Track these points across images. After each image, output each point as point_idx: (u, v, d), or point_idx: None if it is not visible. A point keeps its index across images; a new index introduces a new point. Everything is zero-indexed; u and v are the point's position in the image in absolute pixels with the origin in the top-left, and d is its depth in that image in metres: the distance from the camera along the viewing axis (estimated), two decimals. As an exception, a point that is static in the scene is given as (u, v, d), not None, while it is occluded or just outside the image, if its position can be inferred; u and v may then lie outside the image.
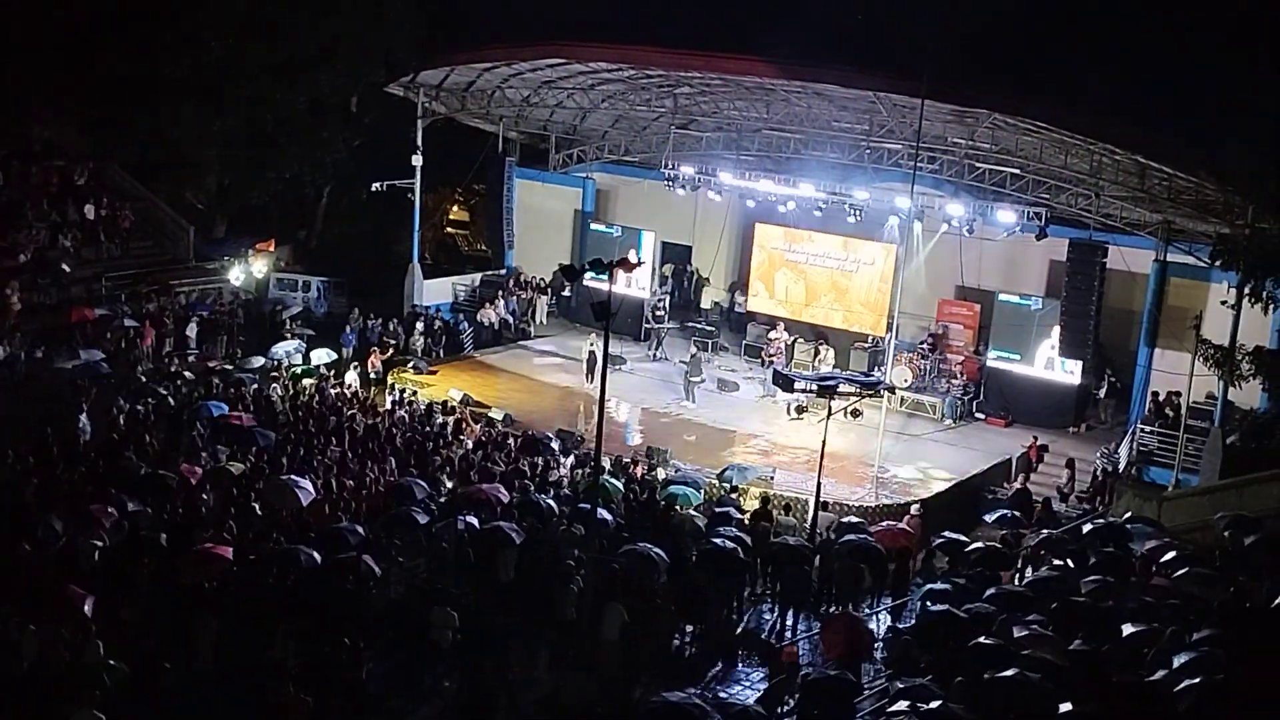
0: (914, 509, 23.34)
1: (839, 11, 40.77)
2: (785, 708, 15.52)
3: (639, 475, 24.18)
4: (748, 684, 17.86)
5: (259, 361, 30.36)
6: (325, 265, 40.50)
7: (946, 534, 21.29)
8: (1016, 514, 23.40)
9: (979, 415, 30.34)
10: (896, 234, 30.86)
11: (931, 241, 31.17)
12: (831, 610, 20.04)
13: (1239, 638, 14.53)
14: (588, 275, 19.39)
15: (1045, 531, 21.82)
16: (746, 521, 22.00)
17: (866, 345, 32.34)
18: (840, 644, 16.92)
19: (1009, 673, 13.67)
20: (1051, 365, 29.49)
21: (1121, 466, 26.68)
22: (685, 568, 19.26)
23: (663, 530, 20.73)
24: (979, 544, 20.67)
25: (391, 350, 32.45)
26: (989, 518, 23.02)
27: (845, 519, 22.22)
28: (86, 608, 15.50)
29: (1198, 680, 12.80)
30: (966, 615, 16.62)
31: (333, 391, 28.59)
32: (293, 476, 20.95)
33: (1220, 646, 14.04)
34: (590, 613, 17.18)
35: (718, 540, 19.45)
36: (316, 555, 17.70)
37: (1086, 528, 21.49)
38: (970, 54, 33.96)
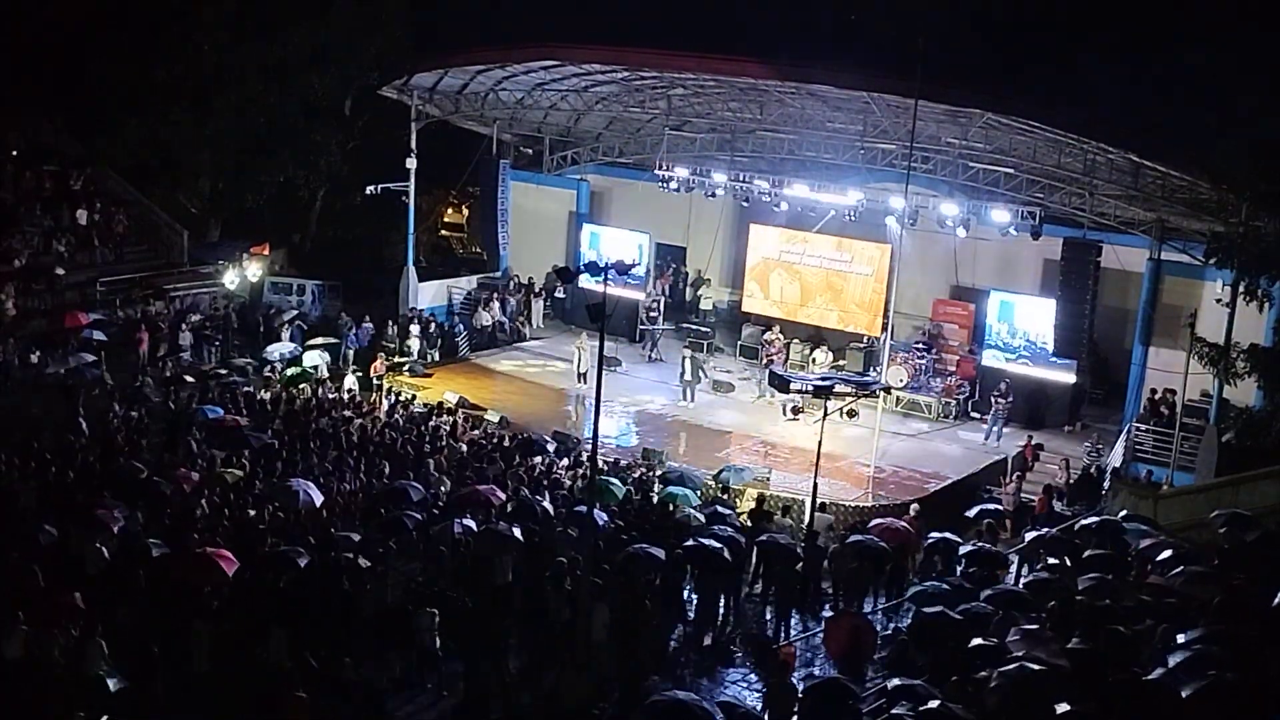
0: (913, 509, 23.37)
1: (832, 12, 40.81)
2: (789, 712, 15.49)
3: (635, 476, 24.16)
4: (744, 684, 17.86)
5: (253, 364, 30.36)
6: (320, 269, 40.41)
7: (937, 534, 21.30)
8: (999, 508, 23.49)
9: (974, 415, 30.35)
10: (894, 233, 30.89)
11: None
12: (838, 608, 20.03)
13: (1237, 636, 14.54)
14: (583, 276, 19.39)
15: (1042, 529, 21.86)
16: (744, 522, 22.02)
17: (862, 345, 32.36)
18: (843, 644, 16.91)
19: (1008, 668, 13.68)
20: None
21: (1115, 465, 26.70)
22: (673, 568, 19.26)
23: (661, 531, 20.71)
24: (972, 544, 20.74)
25: (394, 357, 32.43)
26: (970, 513, 23.02)
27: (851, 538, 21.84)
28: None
29: (1203, 678, 12.79)
30: (963, 615, 16.63)
31: (331, 396, 28.61)
32: (299, 479, 21.02)
33: (1217, 644, 14.05)
34: (581, 613, 17.16)
35: (704, 539, 19.41)
36: (312, 559, 17.70)
37: (1080, 524, 21.55)
38: (963, 54, 33.95)
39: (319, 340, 32.21)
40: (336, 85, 39.42)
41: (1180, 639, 14.63)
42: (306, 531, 19.48)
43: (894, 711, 13.63)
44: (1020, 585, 19.12)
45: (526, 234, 39.11)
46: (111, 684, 14.40)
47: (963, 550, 20.58)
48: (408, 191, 36.45)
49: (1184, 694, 12.73)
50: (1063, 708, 12.85)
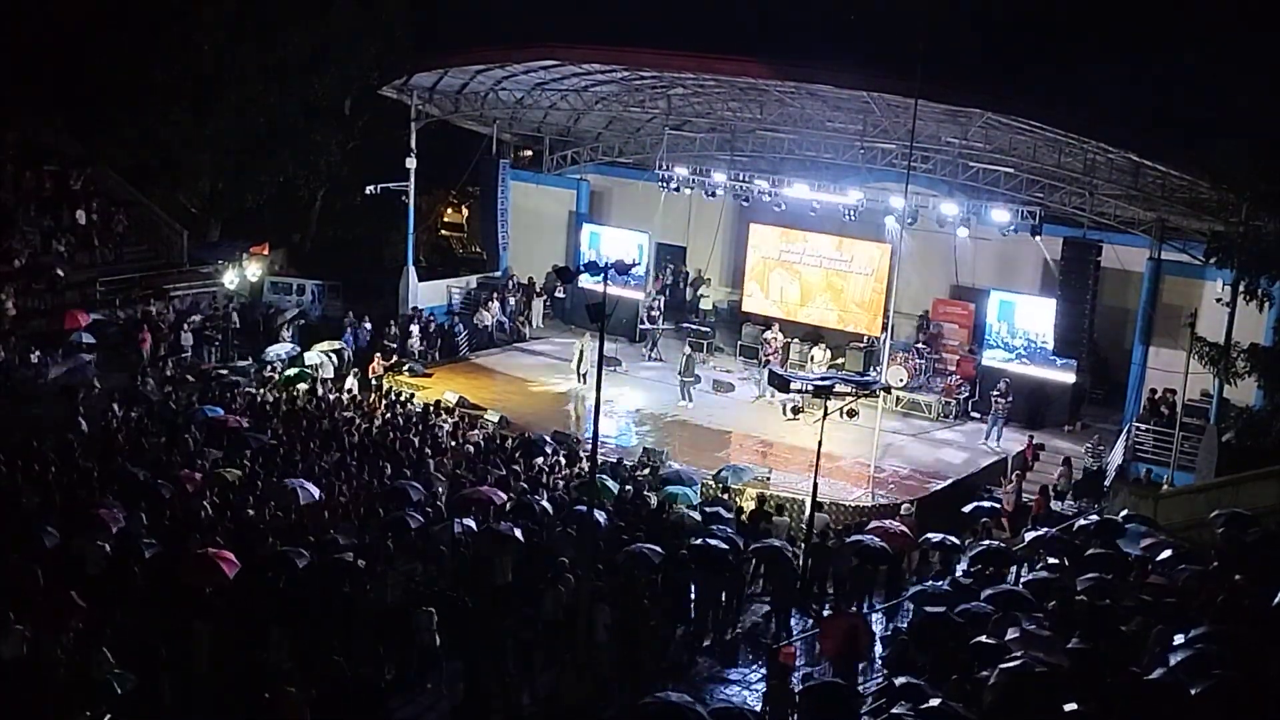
0: (904, 509, 23.33)
1: (831, 11, 40.78)
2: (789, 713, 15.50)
3: (634, 476, 24.15)
4: (744, 685, 17.86)
5: (253, 364, 30.36)
6: (320, 268, 40.39)
7: (935, 534, 21.30)
8: (995, 506, 23.48)
9: (974, 415, 30.34)
10: (894, 233, 30.86)
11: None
12: (838, 608, 20.01)
13: (1237, 636, 14.54)
14: (583, 276, 19.40)
15: (1042, 529, 21.87)
16: (743, 521, 22.01)
17: (862, 345, 32.36)
18: (838, 643, 16.91)
19: (1008, 667, 13.69)
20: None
21: (1116, 465, 26.70)
22: (676, 567, 19.25)
23: (660, 530, 20.71)
24: (979, 544, 20.74)
25: (394, 358, 32.42)
26: (965, 509, 23.01)
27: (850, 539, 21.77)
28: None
29: (1208, 678, 12.80)
30: (963, 616, 16.63)
31: (332, 396, 28.58)
32: (295, 479, 21.01)
33: (1218, 644, 14.05)
34: (582, 614, 17.16)
35: (708, 539, 19.40)
36: (311, 559, 17.69)
37: (1080, 523, 21.55)
38: (963, 53, 33.93)
39: (325, 345, 32.15)
40: (336, 85, 39.42)
41: (1180, 639, 14.64)
42: (306, 532, 19.47)
43: (894, 711, 13.64)
44: (1020, 585, 19.12)
45: (526, 234, 39.10)
46: (117, 686, 14.40)
47: (971, 553, 20.58)
48: (407, 191, 36.43)
49: (1192, 692, 12.73)
50: (1064, 708, 12.87)
